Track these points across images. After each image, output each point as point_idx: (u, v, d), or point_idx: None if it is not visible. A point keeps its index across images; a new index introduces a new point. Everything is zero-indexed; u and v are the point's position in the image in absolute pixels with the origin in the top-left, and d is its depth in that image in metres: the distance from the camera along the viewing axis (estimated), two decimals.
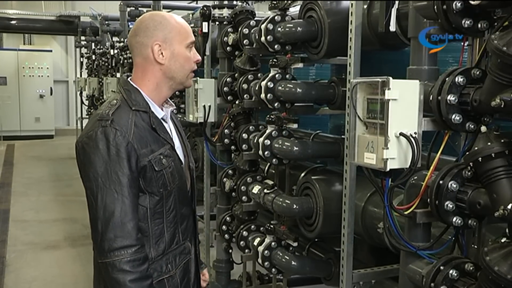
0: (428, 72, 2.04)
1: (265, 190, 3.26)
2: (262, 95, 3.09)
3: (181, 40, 1.84)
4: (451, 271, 1.81)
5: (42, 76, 14.81)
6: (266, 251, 3.22)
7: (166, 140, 1.85)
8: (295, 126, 3.08)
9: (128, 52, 6.92)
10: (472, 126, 1.84)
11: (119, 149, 1.70)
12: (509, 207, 1.57)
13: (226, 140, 3.90)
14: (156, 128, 1.81)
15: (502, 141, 1.72)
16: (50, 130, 14.89)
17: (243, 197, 3.60)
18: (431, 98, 1.87)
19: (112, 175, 1.69)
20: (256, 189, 3.41)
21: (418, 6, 1.96)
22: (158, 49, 1.81)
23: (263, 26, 3.07)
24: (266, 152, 3.07)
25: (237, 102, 3.86)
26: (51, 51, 15.16)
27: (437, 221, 1.94)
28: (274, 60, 3.10)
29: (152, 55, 1.82)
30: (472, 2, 1.71)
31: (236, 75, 3.87)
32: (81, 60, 13.03)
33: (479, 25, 1.80)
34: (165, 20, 1.83)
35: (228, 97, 3.96)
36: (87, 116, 11.61)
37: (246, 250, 3.71)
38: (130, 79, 1.88)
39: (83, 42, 12.67)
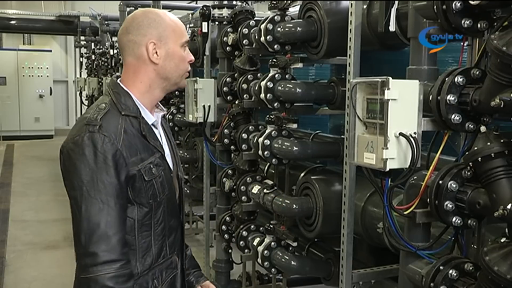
0: (428, 72, 2.04)
1: (265, 190, 3.26)
2: (262, 95, 3.09)
3: (176, 39, 1.73)
4: (450, 271, 1.81)
5: (41, 76, 14.79)
6: (265, 251, 3.22)
7: (156, 148, 1.73)
8: (294, 126, 3.08)
9: None
10: (472, 126, 1.84)
11: (107, 157, 1.58)
12: (508, 207, 1.57)
13: (225, 140, 3.90)
14: (146, 135, 1.70)
15: (502, 141, 1.72)
16: (50, 130, 14.87)
17: (243, 197, 3.60)
18: (430, 98, 1.87)
19: (98, 184, 1.57)
20: (255, 189, 3.41)
21: (418, 6, 1.96)
22: (153, 47, 1.70)
23: (262, 26, 3.07)
24: (265, 152, 3.07)
25: (236, 102, 3.86)
26: (50, 51, 15.14)
27: (437, 221, 1.94)
28: (274, 60, 3.10)
29: (146, 54, 1.70)
30: (471, 2, 1.71)
31: (235, 75, 3.87)
32: (81, 60, 13.02)
33: (479, 25, 1.80)
34: (159, 18, 1.73)
35: (228, 97, 3.96)
36: None
37: (246, 250, 3.72)
38: (120, 81, 1.76)
39: (82, 42, 12.67)
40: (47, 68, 14.87)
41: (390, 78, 1.83)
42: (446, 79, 1.83)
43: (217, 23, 4.16)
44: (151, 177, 1.68)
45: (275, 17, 3.03)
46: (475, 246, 1.93)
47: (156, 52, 1.71)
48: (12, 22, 13.42)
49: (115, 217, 1.58)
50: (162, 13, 1.77)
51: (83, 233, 1.57)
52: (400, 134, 1.85)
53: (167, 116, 4.91)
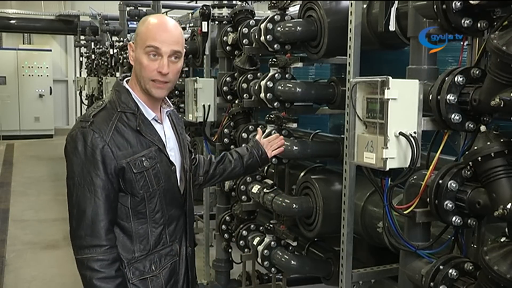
0: (428, 72, 2.04)
1: (265, 190, 3.26)
2: (262, 95, 3.09)
3: (141, 44, 1.79)
4: (450, 271, 1.81)
5: (41, 75, 14.80)
6: (265, 251, 3.22)
7: (152, 142, 1.82)
8: (294, 125, 3.08)
9: (127, 51, 6.92)
10: (472, 126, 1.84)
11: (95, 151, 1.72)
12: (508, 206, 1.57)
13: (225, 140, 3.89)
14: (141, 130, 1.79)
15: (502, 140, 1.72)
16: (50, 130, 14.88)
17: (243, 197, 3.60)
18: (430, 98, 1.87)
19: (86, 176, 1.73)
20: (255, 188, 3.41)
21: (418, 6, 1.96)
22: (130, 49, 1.85)
23: (262, 26, 3.07)
24: None
25: (236, 101, 3.86)
26: (50, 50, 15.15)
27: (437, 221, 1.94)
28: (274, 59, 3.10)
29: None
30: (471, 2, 1.71)
31: (235, 74, 3.86)
32: (81, 59, 13.03)
33: (479, 25, 1.80)
34: (143, 22, 1.83)
35: (228, 97, 3.96)
36: None
37: (246, 250, 3.72)
38: (126, 80, 1.89)
39: (82, 42, 12.68)
40: (47, 67, 14.88)
41: (390, 77, 1.83)
42: (446, 78, 1.83)
43: (217, 22, 4.15)
44: (142, 169, 1.78)
45: (275, 17, 3.03)
46: (475, 246, 1.93)
47: (132, 55, 1.84)
48: (12, 21, 13.44)
49: (100, 206, 1.72)
50: (151, 17, 1.84)
51: (74, 218, 1.75)
52: (400, 133, 1.85)
53: None
